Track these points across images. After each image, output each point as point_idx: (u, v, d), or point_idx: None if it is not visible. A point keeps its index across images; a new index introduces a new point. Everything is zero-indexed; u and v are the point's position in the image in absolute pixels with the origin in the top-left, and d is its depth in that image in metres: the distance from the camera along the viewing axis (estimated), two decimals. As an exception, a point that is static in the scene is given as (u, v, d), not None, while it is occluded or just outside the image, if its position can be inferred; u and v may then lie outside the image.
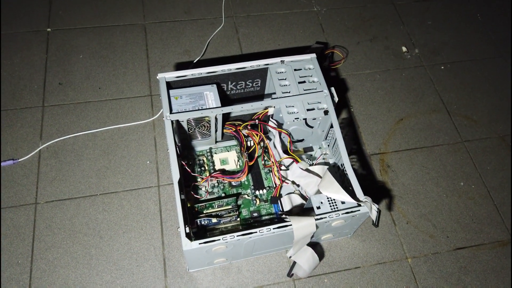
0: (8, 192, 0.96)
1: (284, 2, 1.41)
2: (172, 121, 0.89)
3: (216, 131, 0.99)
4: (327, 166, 0.94)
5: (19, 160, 1.01)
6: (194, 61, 1.23)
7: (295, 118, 0.93)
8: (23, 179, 0.98)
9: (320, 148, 1.05)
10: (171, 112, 0.90)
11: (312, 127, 0.98)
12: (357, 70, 1.27)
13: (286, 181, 0.97)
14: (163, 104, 0.91)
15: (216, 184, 0.97)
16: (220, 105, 0.94)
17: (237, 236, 0.75)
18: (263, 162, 1.02)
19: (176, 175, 0.82)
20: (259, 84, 1.06)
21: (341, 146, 0.90)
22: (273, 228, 0.76)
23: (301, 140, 1.03)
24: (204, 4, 1.38)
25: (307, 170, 0.94)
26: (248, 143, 1.01)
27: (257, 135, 0.98)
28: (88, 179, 1.00)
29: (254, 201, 0.96)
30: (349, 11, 1.42)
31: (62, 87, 1.15)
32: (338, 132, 0.92)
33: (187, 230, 0.76)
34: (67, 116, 1.09)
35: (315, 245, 0.93)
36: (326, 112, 0.94)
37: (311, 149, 1.06)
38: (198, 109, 0.92)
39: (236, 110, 0.94)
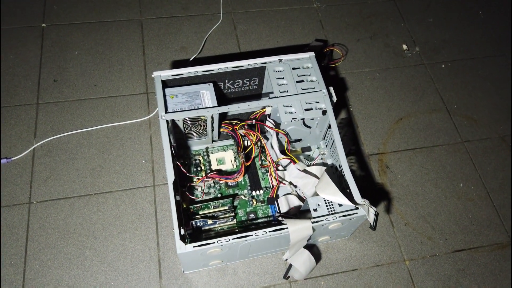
0: (2, 191, 0.95)
1: (283, -2, 1.39)
2: (167, 121, 0.87)
3: (212, 130, 0.97)
4: (325, 167, 0.92)
5: (13, 158, 0.99)
6: (191, 59, 1.21)
7: (293, 118, 0.91)
8: (16, 178, 0.97)
9: (318, 148, 1.04)
10: (166, 112, 0.89)
11: (310, 127, 0.96)
12: (357, 68, 1.25)
13: (283, 181, 0.96)
14: (158, 103, 0.90)
15: (212, 185, 0.96)
16: (216, 105, 0.92)
17: (232, 239, 0.74)
18: (260, 162, 1.00)
19: (171, 176, 0.81)
20: (257, 83, 1.04)
21: (339, 147, 0.89)
22: (269, 231, 0.75)
23: (299, 140, 1.01)
24: (202, 0, 1.35)
25: (305, 170, 0.92)
26: (245, 142, 1.00)
27: (254, 135, 0.96)
28: (82, 179, 0.98)
29: (251, 202, 0.95)
30: (349, 8, 1.39)
31: (57, 84, 1.13)
32: (336, 133, 0.91)
33: (182, 232, 0.75)
34: (61, 114, 1.08)
35: (311, 247, 0.92)
36: (324, 112, 0.93)
37: (309, 149, 1.04)
38: (194, 109, 0.91)
39: (233, 109, 0.92)
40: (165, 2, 1.34)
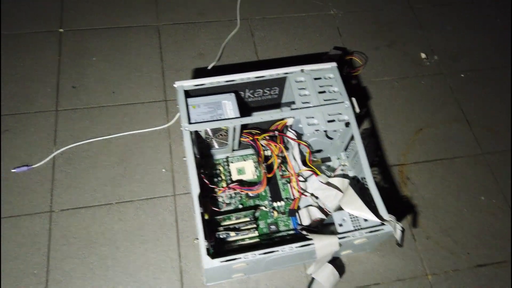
0: (23, 200, 0.95)
1: (300, 5, 1.38)
2: (190, 132, 0.87)
3: (233, 140, 0.97)
4: (348, 180, 0.92)
5: (33, 166, 0.99)
6: (209, 67, 1.21)
7: (316, 130, 0.91)
8: (37, 186, 0.97)
9: (338, 159, 1.03)
10: (189, 122, 0.88)
11: (332, 138, 0.96)
12: (375, 77, 1.24)
13: (305, 193, 0.95)
14: (181, 113, 0.89)
15: (233, 195, 0.96)
16: (239, 115, 0.92)
17: (258, 254, 0.74)
18: (280, 172, 1.00)
19: (195, 189, 0.80)
20: (277, 92, 1.04)
21: (363, 160, 0.88)
22: (296, 247, 0.75)
23: (319, 151, 1.01)
24: (218, 6, 1.35)
25: (327, 183, 0.92)
26: (266, 152, 1.00)
27: (276, 146, 0.96)
28: (103, 187, 0.98)
29: (272, 213, 0.94)
30: (367, 15, 1.38)
31: (75, 90, 1.13)
32: (360, 146, 0.90)
33: (207, 246, 0.75)
34: (81, 121, 1.07)
35: (334, 259, 0.91)
36: (347, 124, 0.92)
37: (328, 159, 1.04)
38: (217, 119, 0.90)
39: (256, 120, 0.92)
40: (181, 7, 1.33)
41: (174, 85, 0.92)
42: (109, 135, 1.06)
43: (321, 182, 0.92)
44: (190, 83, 0.93)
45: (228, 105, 0.94)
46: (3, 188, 0.96)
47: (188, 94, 0.94)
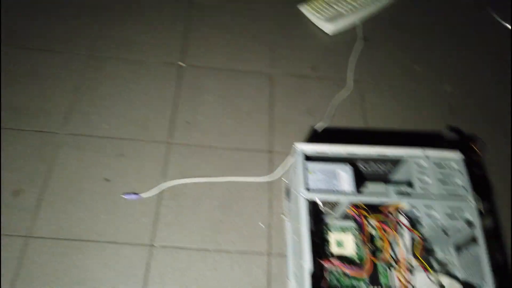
0: (127, 228, 0.98)
1: (413, 76, 1.36)
2: (307, 200, 0.86)
3: (341, 212, 0.94)
4: (461, 286, 0.85)
5: (142, 195, 1.02)
6: (318, 128, 1.20)
7: (434, 224, 0.86)
8: (142, 217, 1.00)
9: (446, 255, 0.96)
10: (307, 189, 0.87)
11: (448, 235, 0.90)
12: (489, 167, 1.17)
13: (409, 286, 0.89)
14: (298, 178, 0.88)
15: (332, 270, 0.92)
16: (355, 190, 0.90)
17: None
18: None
19: (308, 265, 0.78)
20: (390, 169, 1.00)
21: (487, 271, 0.81)
22: None
23: (426, 240, 0.95)
24: (331, 62, 1.36)
25: (439, 284, 0.86)
26: (368, 230, 0.96)
27: (387, 231, 0.92)
28: (202, 230, 0.99)
29: (369, 298, 0.90)
30: (484, 97, 1.33)
31: (189, 126, 1.17)
32: (484, 253, 0.83)
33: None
34: (190, 158, 1.10)
35: None
36: (469, 224, 0.86)
37: (432, 250, 0.98)
38: (334, 191, 0.89)
39: (373, 201, 0.89)
40: (296, 58, 1.35)
41: (295, 147, 0.92)
42: (215, 177, 1.07)
43: (431, 280, 0.86)
44: (311, 148, 0.92)
45: (345, 177, 0.92)
46: (112, 212, 0.99)
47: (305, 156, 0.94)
